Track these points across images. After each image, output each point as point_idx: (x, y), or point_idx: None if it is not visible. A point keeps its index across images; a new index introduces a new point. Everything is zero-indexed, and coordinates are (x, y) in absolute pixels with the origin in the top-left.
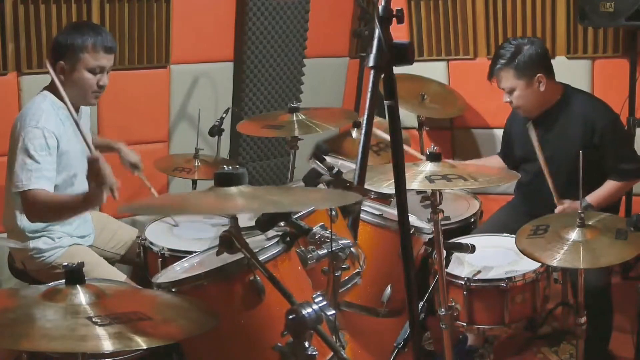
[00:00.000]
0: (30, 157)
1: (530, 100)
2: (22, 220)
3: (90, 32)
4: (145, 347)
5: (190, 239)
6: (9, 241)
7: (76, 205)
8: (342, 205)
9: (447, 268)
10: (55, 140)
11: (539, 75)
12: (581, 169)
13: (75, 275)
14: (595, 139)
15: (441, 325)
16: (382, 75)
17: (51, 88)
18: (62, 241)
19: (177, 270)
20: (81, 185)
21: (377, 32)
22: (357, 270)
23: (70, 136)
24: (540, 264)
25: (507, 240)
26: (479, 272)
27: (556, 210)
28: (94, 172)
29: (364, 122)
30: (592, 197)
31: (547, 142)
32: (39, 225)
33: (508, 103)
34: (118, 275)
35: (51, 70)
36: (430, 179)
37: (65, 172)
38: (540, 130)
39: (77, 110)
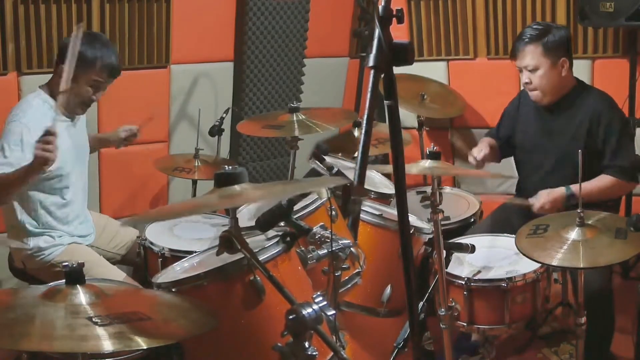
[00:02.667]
0: (2, 149)
1: (550, 83)
2: (22, 215)
3: (102, 50)
4: (145, 347)
5: (190, 239)
6: (10, 241)
7: (18, 175)
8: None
9: (447, 268)
10: (35, 137)
11: (563, 59)
12: (581, 168)
13: (75, 275)
14: (600, 131)
15: (441, 325)
16: (382, 75)
17: (48, 87)
18: (62, 239)
19: (177, 270)
20: (77, 184)
21: (377, 32)
22: (357, 270)
23: (60, 133)
24: (540, 264)
25: (507, 240)
26: (479, 272)
27: (534, 209)
28: (45, 141)
29: (364, 122)
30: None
31: (553, 130)
32: (39, 221)
33: (525, 85)
34: (117, 273)
35: None
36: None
37: (54, 168)
38: (548, 118)
39: (71, 112)
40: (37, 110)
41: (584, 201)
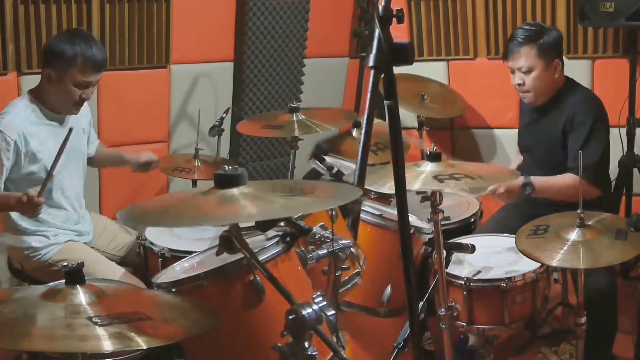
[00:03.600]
0: None
1: (544, 84)
2: (15, 213)
3: (82, 46)
4: (145, 347)
5: (190, 239)
6: (6, 238)
7: (5, 207)
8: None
9: (447, 268)
10: (9, 142)
11: (556, 60)
12: (581, 169)
13: (75, 275)
14: (572, 131)
15: (441, 325)
16: (382, 75)
17: (36, 91)
18: (58, 238)
19: (177, 270)
20: (68, 187)
21: (377, 32)
22: (357, 270)
23: (44, 137)
24: (540, 264)
25: (507, 240)
26: (479, 272)
27: (487, 191)
28: (31, 209)
29: (364, 122)
30: (539, 180)
31: (539, 131)
32: (30, 219)
33: (517, 86)
34: (116, 269)
35: None
36: (438, 178)
37: (38, 171)
38: (537, 118)
39: (65, 113)
40: (15, 115)
41: (542, 195)
